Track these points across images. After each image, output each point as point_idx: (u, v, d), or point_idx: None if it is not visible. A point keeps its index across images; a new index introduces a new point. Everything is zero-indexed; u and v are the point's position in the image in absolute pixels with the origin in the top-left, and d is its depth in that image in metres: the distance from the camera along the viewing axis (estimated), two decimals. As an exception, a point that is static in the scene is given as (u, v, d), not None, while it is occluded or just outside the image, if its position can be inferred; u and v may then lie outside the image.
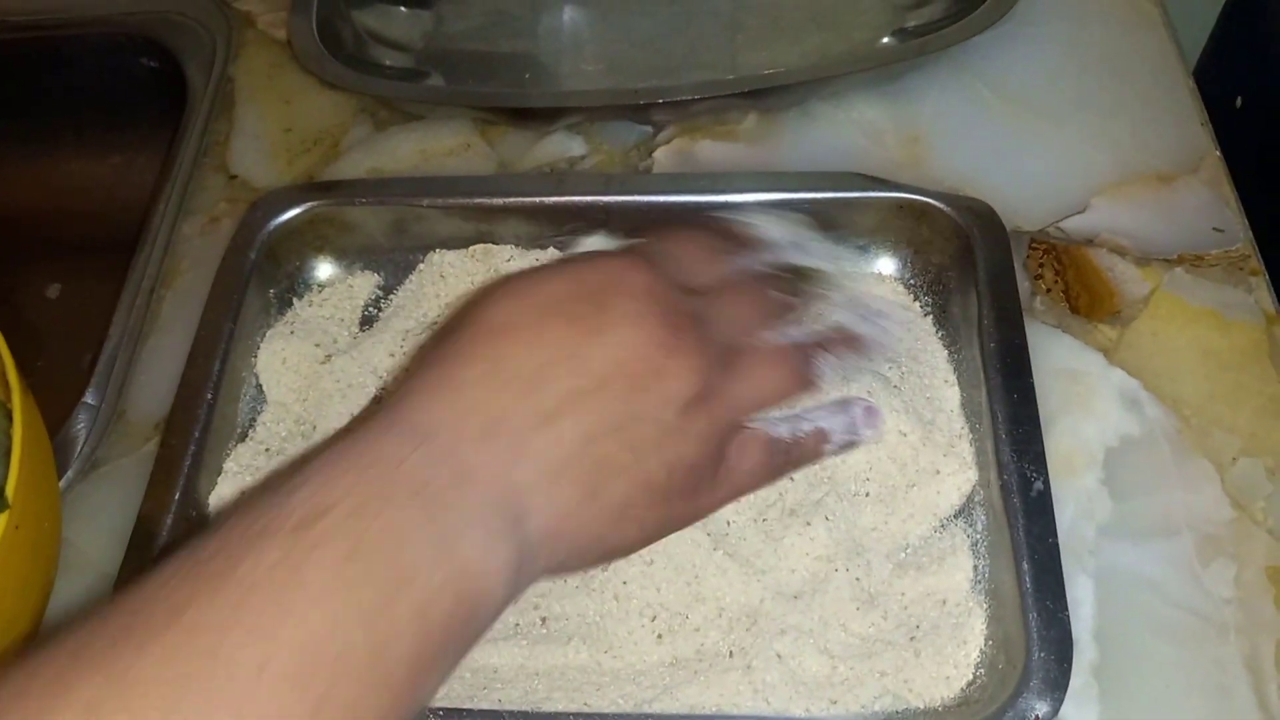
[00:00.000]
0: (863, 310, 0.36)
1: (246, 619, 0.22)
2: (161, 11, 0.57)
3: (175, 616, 0.22)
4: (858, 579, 0.37)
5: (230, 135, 0.52)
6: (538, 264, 0.36)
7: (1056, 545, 0.35)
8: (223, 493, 0.40)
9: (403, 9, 0.57)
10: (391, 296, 0.46)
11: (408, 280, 0.46)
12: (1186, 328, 0.41)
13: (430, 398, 0.28)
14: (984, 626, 0.36)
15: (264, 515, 0.24)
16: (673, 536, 0.35)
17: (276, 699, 0.21)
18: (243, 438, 0.42)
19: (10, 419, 0.34)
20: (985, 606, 0.36)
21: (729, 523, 0.38)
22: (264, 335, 0.44)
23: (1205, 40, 0.69)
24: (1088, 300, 0.43)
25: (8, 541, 0.32)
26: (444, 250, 0.46)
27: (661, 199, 0.45)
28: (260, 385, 0.43)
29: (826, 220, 0.44)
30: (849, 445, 0.36)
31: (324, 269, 0.47)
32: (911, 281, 0.44)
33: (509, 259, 0.46)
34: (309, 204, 0.46)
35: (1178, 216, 0.45)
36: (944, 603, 0.36)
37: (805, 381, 0.34)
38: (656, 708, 0.34)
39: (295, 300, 0.46)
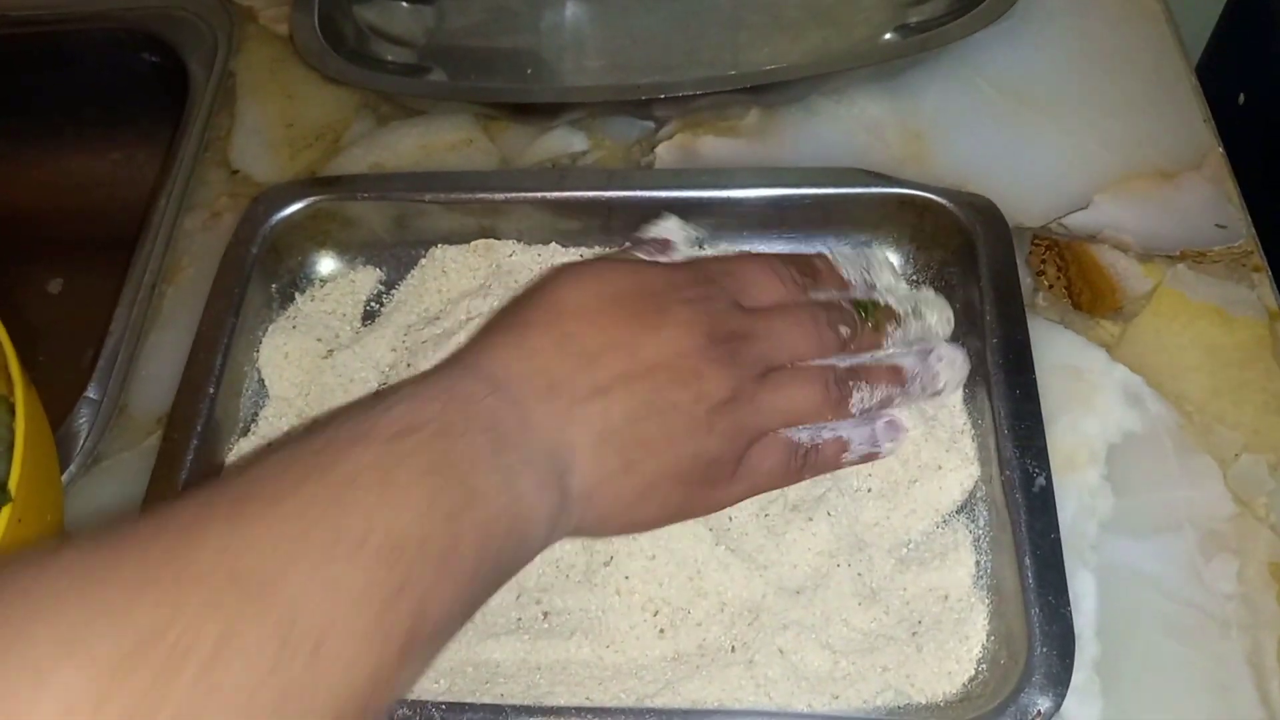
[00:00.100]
0: (918, 345, 0.39)
1: (350, 502, 0.26)
2: (163, 6, 0.57)
3: (291, 491, 0.25)
4: (860, 574, 0.37)
5: (232, 130, 0.52)
6: (609, 254, 0.40)
7: (1059, 541, 0.35)
8: (225, 487, 0.40)
9: (404, 4, 0.57)
10: (393, 291, 0.46)
11: (409, 275, 0.46)
12: (1189, 324, 0.41)
13: (505, 354, 0.32)
14: (986, 622, 0.36)
15: (363, 424, 0.28)
16: (675, 531, 0.37)
17: (369, 571, 0.25)
18: (245, 432, 0.42)
19: (13, 413, 0.34)
20: (987, 602, 0.36)
21: (731, 518, 0.38)
22: (266, 330, 0.44)
23: (1208, 36, 0.69)
24: (1090, 296, 0.42)
25: (10, 535, 0.32)
26: (446, 245, 0.46)
27: (663, 194, 0.45)
28: (262, 380, 0.43)
29: (829, 216, 0.45)
30: (869, 457, 0.38)
31: (326, 264, 0.47)
32: (914, 277, 0.44)
33: (511, 254, 0.46)
34: (311, 199, 0.46)
35: (1180, 213, 0.45)
36: (946, 598, 0.36)
37: (835, 405, 0.37)
38: (658, 702, 0.34)
39: (297, 295, 0.46)
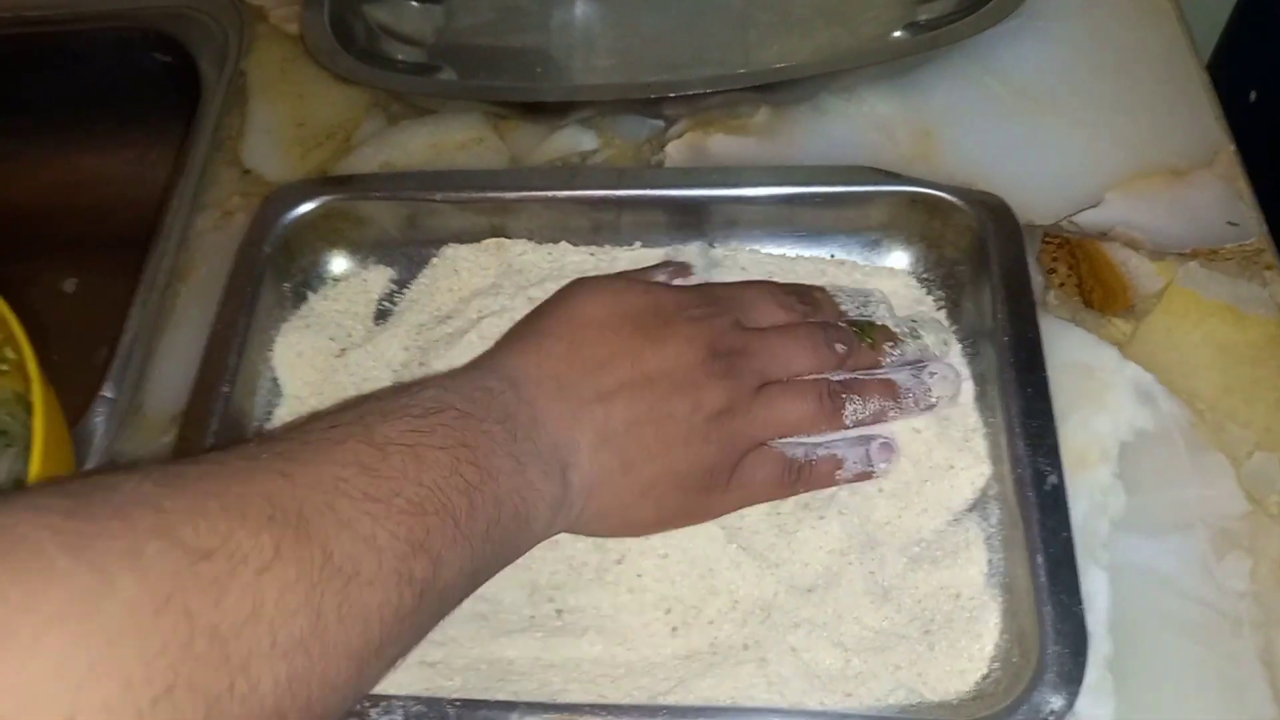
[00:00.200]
0: (913, 362, 0.40)
1: (382, 465, 0.29)
2: (174, 6, 0.57)
3: (335, 446, 0.29)
4: (871, 573, 0.37)
5: (243, 130, 0.52)
6: (627, 272, 0.43)
7: (1071, 539, 0.35)
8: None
9: (415, 3, 0.57)
10: (405, 290, 0.46)
11: (421, 274, 0.46)
12: (1201, 322, 0.41)
13: (522, 358, 0.35)
14: (998, 620, 0.36)
15: (396, 403, 0.31)
16: (687, 530, 0.37)
17: (397, 524, 0.28)
18: (259, 431, 0.42)
19: (31, 411, 0.35)
20: (999, 600, 0.36)
21: (743, 516, 0.38)
22: (279, 329, 0.44)
23: (1219, 33, 0.69)
24: (1101, 294, 0.42)
25: (28, 534, 0.32)
26: (457, 244, 0.46)
27: (673, 193, 0.45)
28: (276, 378, 0.43)
29: (839, 214, 0.45)
30: (862, 476, 0.38)
31: (338, 263, 0.47)
32: (925, 276, 0.44)
33: (522, 252, 0.46)
34: (323, 198, 0.46)
35: (1192, 210, 0.45)
36: (958, 596, 0.36)
37: (828, 416, 0.38)
38: (671, 700, 0.35)
39: (310, 294, 0.46)
